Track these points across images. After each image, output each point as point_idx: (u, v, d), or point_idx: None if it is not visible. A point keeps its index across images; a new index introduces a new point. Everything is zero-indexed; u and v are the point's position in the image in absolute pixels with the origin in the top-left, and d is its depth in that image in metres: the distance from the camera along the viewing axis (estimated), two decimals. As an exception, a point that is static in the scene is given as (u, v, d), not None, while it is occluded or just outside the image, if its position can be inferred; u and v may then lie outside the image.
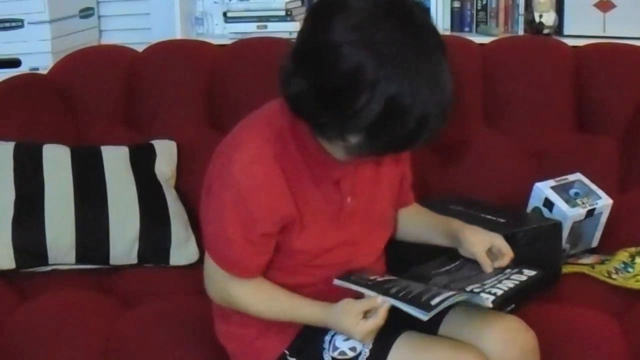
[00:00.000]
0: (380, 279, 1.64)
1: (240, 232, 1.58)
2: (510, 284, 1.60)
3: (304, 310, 1.64)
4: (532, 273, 1.66)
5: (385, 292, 1.56)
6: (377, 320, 1.56)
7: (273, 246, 1.64)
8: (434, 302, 1.51)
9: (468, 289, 1.58)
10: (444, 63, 1.44)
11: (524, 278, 1.64)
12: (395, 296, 1.55)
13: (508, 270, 1.68)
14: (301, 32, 1.50)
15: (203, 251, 2.16)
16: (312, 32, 1.47)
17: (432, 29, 1.46)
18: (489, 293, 1.55)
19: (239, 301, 1.66)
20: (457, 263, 1.74)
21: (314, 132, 1.55)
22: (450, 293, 1.55)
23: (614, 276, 2.00)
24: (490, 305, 1.53)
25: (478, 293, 1.56)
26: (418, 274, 1.71)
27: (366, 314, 1.57)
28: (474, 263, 1.72)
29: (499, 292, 1.56)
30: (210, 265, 1.66)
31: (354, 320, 1.56)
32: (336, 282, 1.63)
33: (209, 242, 1.66)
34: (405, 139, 1.45)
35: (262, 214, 1.57)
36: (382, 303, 1.56)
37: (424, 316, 1.49)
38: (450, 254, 1.77)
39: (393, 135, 1.44)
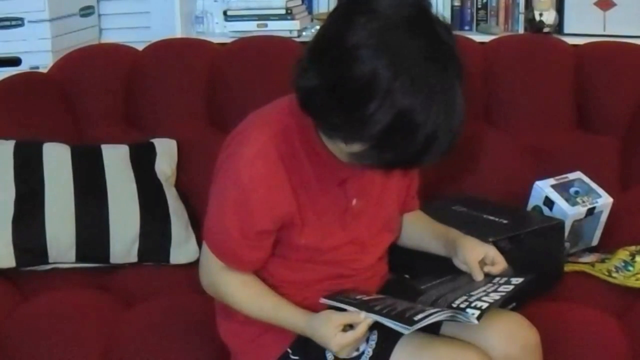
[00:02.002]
0: (366, 298, 1.64)
1: (237, 225, 1.58)
2: (496, 295, 1.59)
3: (286, 312, 1.63)
4: (519, 280, 1.66)
5: (369, 310, 1.56)
6: (356, 334, 1.55)
7: (270, 244, 1.63)
8: (417, 317, 1.50)
9: (455, 303, 1.56)
10: (459, 88, 1.42)
11: (510, 288, 1.63)
12: (379, 313, 1.54)
13: (497, 279, 1.68)
14: (322, 27, 1.48)
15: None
16: (333, 28, 1.44)
17: (454, 53, 1.43)
18: (475, 307, 1.54)
19: (227, 292, 1.66)
20: (449, 277, 1.74)
21: (320, 131, 1.54)
22: (435, 310, 1.54)
23: (614, 275, 2.01)
24: (476, 322, 1.51)
25: (464, 309, 1.54)
26: (409, 289, 1.71)
27: (346, 329, 1.56)
28: (465, 275, 1.72)
29: (484, 305, 1.54)
30: (205, 254, 1.67)
31: (332, 331, 1.55)
32: (323, 300, 1.62)
33: (207, 229, 1.66)
34: (409, 157, 1.43)
35: (260, 210, 1.57)
36: (364, 318, 1.54)
37: (405, 330, 1.49)
38: (442, 269, 1.77)
39: (397, 150, 1.42)
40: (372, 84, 1.36)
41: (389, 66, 1.36)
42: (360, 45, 1.37)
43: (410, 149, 1.41)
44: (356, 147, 1.45)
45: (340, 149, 1.50)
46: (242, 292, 1.65)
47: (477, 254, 1.70)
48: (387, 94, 1.36)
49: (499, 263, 1.71)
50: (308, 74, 1.45)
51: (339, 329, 1.55)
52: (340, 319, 1.56)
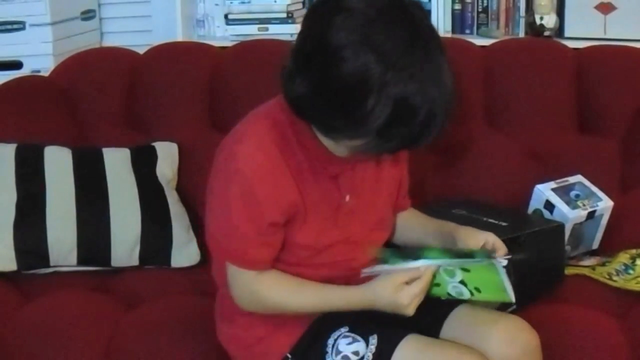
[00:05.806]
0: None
1: (247, 222, 1.56)
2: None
3: (334, 292, 1.61)
4: (519, 255, 1.67)
5: (419, 256, 1.55)
6: (422, 283, 1.55)
7: (280, 240, 1.61)
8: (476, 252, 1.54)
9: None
10: (444, 61, 1.46)
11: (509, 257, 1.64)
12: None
13: None
14: (301, 32, 1.49)
15: (204, 253, 2.17)
16: (312, 32, 1.45)
17: (431, 29, 1.47)
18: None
19: (267, 296, 1.62)
20: None
21: (318, 132, 1.54)
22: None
23: (614, 278, 2.01)
24: (505, 262, 1.54)
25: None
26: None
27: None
28: None
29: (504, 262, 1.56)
30: (231, 271, 1.62)
31: (398, 287, 1.55)
32: (364, 272, 1.61)
33: (212, 235, 1.63)
34: (413, 137, 1.46)
35: (268, 201, 1.55)
36: (425, 269, 1.55)
37: (498, 263, 1.53)
38: None
39: (401, 135, 1.45)
40: (365, 81, 1.39)
41: (376, 60, 1.39)
42: (343, 45, 1.39)
43: (412, 130, 1.44)
44: (358, 142, 1.47)
45: (340, 145, 1.52)
46: (279, 289, 1.62)
47: (477, 242, 1.69)
48: (382, 88, 1.39)
49: (500, 248, 1.69)
50: (296, 81, 1.46)
51: (402, 287, 1.55)
52: (402, 277, 1.56)
